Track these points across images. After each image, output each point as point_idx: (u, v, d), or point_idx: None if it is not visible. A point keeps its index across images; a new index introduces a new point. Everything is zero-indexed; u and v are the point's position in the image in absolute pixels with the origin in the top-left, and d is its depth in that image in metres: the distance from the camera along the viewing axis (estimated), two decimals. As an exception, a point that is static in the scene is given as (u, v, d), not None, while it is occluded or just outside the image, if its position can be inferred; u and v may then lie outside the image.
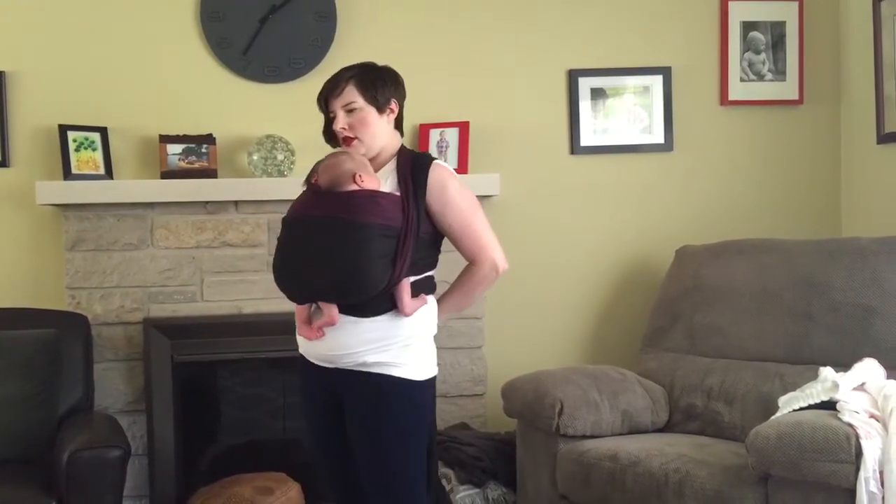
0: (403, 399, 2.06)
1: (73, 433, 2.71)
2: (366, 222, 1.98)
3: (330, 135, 2.19)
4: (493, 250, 2.16)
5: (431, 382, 2.14)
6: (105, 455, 2.58)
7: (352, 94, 2.12)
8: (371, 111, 2.12)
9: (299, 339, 2.16)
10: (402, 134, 2.24)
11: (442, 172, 2.11)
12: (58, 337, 2.94)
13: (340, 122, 2.13)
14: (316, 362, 2.14)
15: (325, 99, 2.16)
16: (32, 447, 2.83)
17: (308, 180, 2.16)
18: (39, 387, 2.87)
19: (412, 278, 2.07)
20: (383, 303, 2.03)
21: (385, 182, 2.11)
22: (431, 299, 2.16)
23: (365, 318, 2.03)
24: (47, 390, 2.89)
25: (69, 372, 2.98)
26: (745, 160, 3.70)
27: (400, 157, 2.15)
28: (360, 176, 2.05)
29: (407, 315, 2.05)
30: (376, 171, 2.13)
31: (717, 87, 3.68)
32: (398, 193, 2.07)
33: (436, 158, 2.15)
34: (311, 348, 2.12)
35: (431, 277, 2.17)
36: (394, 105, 2.16)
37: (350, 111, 2.12)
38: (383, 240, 1.99)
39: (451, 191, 2.10)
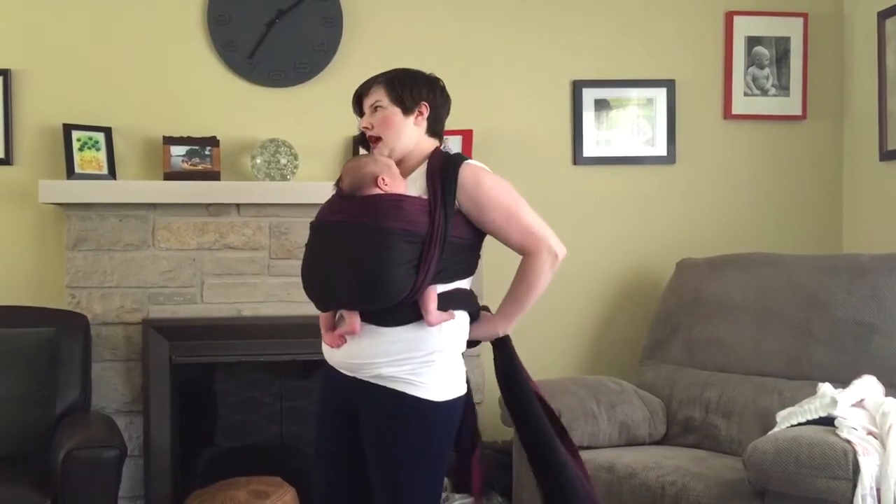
0: (418, 421, 1.96)
1: (70, 432, 2.70)
2: (387, 227, 1.90)
3: (363, 139, 2.13)
4: (548, 236, 2.04)
5: (455, 403, 2.01)
6: (101, 455, 2.57)
7: (378, 94, 2.06)
8: (396, 111, 2.05)
9: (323, 345, 2.09)
10: (441, 141, 2.14)
11: (473, 170, 2.01)
12: (57, 336, 2.94)
13: (364, 121, 2.09)
14: (337, 368, 2.07)
15: (359, 101, 2.13)
16: (29, 445, 2.83)
17: (337, 184, 2.11)
18: (37, 385, 2.87)
19: (440, 288, 1.97)
20: (407, 312, 1.94)
21: (414, 186, 2.02)
22: (462, 315, 2.04)
23: (387, 327, 1.95)
24: (45, 389, 2.89)
25: (67, 371, 2.98)
26: (748, 174, 3.71)
27: (431, 160, 2.05)
28: (382, 179, 1.98)
29: (431, 325, 1.95)
30: (406, 175, 2.06)
31: (721, 100, 3.69)
32: (426, 197, 1.98)
33: (468, 159, 2.05)
34: (333, 355, 2.06)
35: (464, 290, 2.06)
36: (423, 108, 2.07)
37: (375, 110, 2.07)
38: (406, 245, 1.90)
39: (486, 186, 2.00)
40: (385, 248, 1.90)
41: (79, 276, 3.19)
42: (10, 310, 3.08)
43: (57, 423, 2.88)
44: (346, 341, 2.00)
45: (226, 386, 3.46)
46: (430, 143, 2.11)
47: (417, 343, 1.96)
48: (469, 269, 2.08)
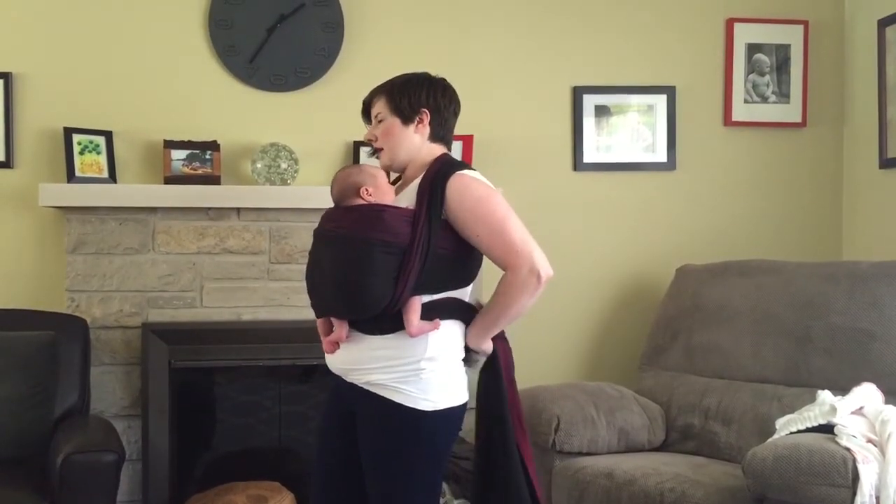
0: (406, 429, 1.96)
1: (68, 436, 2.70)
2: (366, 237, 1.91)
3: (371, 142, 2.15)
4: (532, 254, 1.95)
5: (448, 413, 1.99)
6: (99, 459, 2.57)
7: (380, 105, 2.08)
8: (395, 122, 2.05)
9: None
10: (448, 146, 2.12)
11: (462, 181, 1.97)
12: (56, 339, 2.94)
13: (368, 133, 2.11)
14: (335, 373, 2.09)
15: (367, 110, 2.14)
16: (27, 449, 2.82)
17: None
18: (36, 388, 2.87)
19: (427, 298, 1.96)
20: (392, 321, 1.94)
21: (410, 195, 2.01)
22: (451, 325, 2.01)
23: (373, 335, 1.97)
24: (44, 392, 2.88)
25: (66, 375, 2.98)
26: (748, 181, 3.71)
27: (429, 169, 2.02)
28: (366, 189, 2.00)
29: (412, 335, 1.93)
30: (406, 184, 2.06)
31: (721, 107, 3.70)
32: (413, 207, 1.97)
33: (464, 169, 2.02)
34: (331, 360, 2.07)
35: (456, 300, 2.04)
36: (423, 115, 2.06)
37: (379, 122, 2.08)
38: (386, 256, 1.90)
39: (471, 199, 1.96)
40: (364, 259, 1.91)
41: (78, 279, 3.19)
42: (10, 313, 3.08)
43: (55, 427, 2.88)
44: (338, 347, 2.03)
45: (225, 390, 3.45)
46: (434, 150, 2.09)
47: (403, 352, 1.95)
48: (462, 279, 2.05)
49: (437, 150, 2.10)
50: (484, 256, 2.07)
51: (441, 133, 2.10)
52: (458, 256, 2.00)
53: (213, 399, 3.46)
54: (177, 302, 3.25)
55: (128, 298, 3.22)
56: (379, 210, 1.96)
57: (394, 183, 2.13)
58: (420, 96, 2.07)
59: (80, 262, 3.19)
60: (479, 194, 1.98)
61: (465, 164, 2.09)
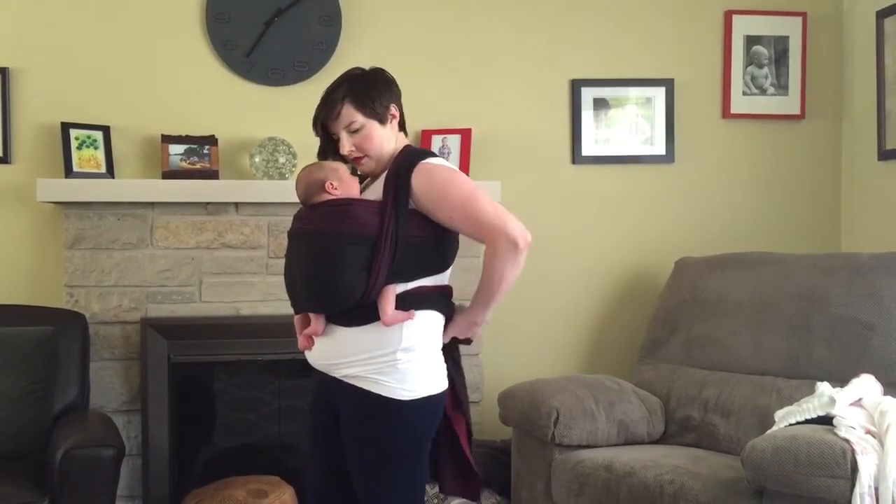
0: (384, 419, 1.97)
1: (68, 431, 2.70)
2: (334, 232, 1.95)
3: (325, 155, 2.13)
4: (506, 223, 1.96)
5: (427, 402, 2.00)
6: (99, 454, 2.57)
7: (350, 114, 2.04)
8: (374, 125, 2.05)
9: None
10: (406, 133, 2.16)
11: (425, 168, 1.99)
12: (55, 335, 2.94)
13: (347, 147, 2.06)
14: (315, 368, 2.11)
15: (323, 123, 2.09)
16: (27, 444, 2.83)
17: None
18: (35, 384, 2.87)
19: (401, 287, 1.98)
20: (367, 313, 1.96)
21: (375, 187, 2.05)
22: (428, 314, 2.03)
23: (349, 327, 1.99)
24: (43, 388, 2.89)
25: (65, 370, 2.98)
26: (746, 174, 3.71)
27: (394, 161, 2.04)
28: (330, 183, 2.03)
29: (386, 325, 1.95)
30: (377, 177, 2.08)
31: (720, 100, 3.69)
32: (380, 198, 1.99)
33: (427, 158, 2.03)
34: (310, 355, 2.10)
35: (433, 289, 2.05)
36: (394, 110, 2.08)
37: (354, 132, 2.05)
38: (356, 248, 1.93)
39: (437, 184, 1.98)
40: (335, 253, 1.94)
41: (77, 274, 3.19)
42: (9, 308, 3.08)
43: (55, 422, 2.88)
44: (313, 342, 2.05)
45: (224, 385, 3.45)
46: (401, 142, 2.12)
47: (379, 343, 1.97)
48: (434, 267, 2.06)
49: (402, 141, 2.13)
50: (459, 242, 2.10)
51: (402, 122, 2.14)
52: (431, 243, 2.02)
53: (212, 394, 3.46)
54: (176, 297, 3.25)
55: (126, 293, 3.22)
56: (345, 204, 2.00)
57: (362, 180, 2.15)
58: (386, 94, 2.08)
59: (78, 257, 3.19)
60: (443, 177, 2.00)
61: (428, 152, 2.11)
